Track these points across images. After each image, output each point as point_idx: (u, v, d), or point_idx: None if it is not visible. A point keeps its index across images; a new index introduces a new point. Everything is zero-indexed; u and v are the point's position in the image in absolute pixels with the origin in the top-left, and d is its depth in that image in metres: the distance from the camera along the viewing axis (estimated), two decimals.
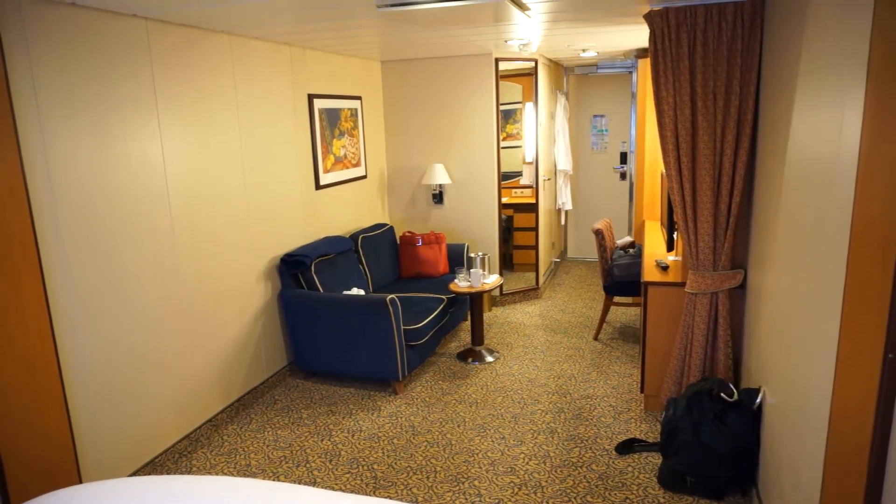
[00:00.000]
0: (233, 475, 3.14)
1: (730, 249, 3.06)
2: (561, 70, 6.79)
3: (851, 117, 1.58)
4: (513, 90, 6.39)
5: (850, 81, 1.61)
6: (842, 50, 1.70)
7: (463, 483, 2.98)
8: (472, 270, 4.38)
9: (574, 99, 7.14)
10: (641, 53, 5.41)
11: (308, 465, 3.18)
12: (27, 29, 2.43)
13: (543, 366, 4.32)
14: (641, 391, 3.62)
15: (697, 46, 2.92)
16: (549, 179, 6.25)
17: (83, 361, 2.73)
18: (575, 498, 2.82)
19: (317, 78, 4.52)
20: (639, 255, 4.76)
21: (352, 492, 2.94)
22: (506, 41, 4.51)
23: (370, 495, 2.88)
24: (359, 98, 5.12)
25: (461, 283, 4.41)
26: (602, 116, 7.12)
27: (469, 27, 3.78)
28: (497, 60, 5.23)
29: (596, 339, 4.80)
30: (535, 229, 5.85)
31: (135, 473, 3.04)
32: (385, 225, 5.27)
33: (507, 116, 6.49)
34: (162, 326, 3.16)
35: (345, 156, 4.95)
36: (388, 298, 3.77)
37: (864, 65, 1.50)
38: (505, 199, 5.98)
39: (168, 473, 3.19)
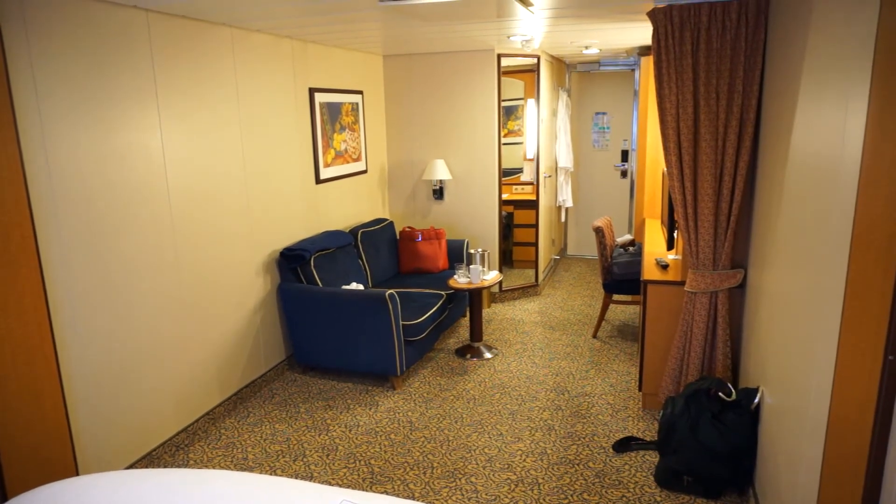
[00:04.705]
0: (230, 469, 3.14)
1: (730, 249, 3.06)
2: (563, 67, 6.78)
3: (855, 117, 1.58)
4: (515, 86, 6.38)
5: (854, 81, 1.60)
6: (846, 49, 1.69)
7: (460, 479, 2.98)
8: (471, 266, 4.37)
9: (576, 96, 7.12)
10: (644, 51, 5.39)
11: (305, 460, 3.18)
12: (27, 20, 2.41)
13: (542, 363, 4.32)
14: (639, 389, 3.62)
15: (701, 44, 2.90)
16: (549, 176, 6.24)
17: (81, 353, 2.73)
18: (571, 495, 2.83)
19: (318, 72, 4.50)
20: (639, 253, 4.76)
21: (348, 487, 2.94)
22: (508, 37, 4.49)
23: (367, 490, 2.88)
24: (360, 92, 5.11)
25: (460, 279, 4.40)
26: (604, 114, 7.11)
27: (471, 22, 3.77)
28: (499, 56, 5.21)
29: (595, 336, 4.80)
30: (536, 226, 5.84)
31: (132, 466, 3.04)
32: (385, 220, 5.27)
33: (508, 113, 6.48)
34: (160, 319, 3.15)
35: (345, 150, 4.94)
36: (387, 294, 3.76)
37: (868, 64, 1.49)
38: (505, 196, 5.97)
39: (165, 466, 3.19)
